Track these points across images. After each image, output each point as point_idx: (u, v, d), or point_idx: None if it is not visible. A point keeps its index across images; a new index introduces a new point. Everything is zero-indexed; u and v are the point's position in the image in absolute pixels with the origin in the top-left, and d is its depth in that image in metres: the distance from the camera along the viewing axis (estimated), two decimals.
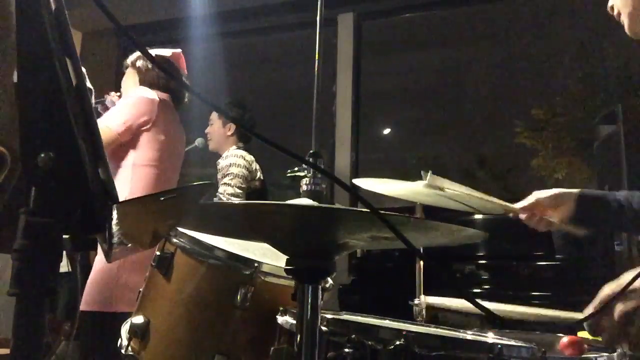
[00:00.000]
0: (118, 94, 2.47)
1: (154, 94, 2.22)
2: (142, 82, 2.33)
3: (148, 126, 2.17)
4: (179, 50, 2.41)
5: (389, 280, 3.62)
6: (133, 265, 2.00)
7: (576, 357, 1.29)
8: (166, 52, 2.38)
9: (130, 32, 0.62)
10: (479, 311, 1.47)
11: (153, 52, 2.38)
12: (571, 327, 1.47)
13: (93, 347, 2.00)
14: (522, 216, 1.55)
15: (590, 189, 1.56)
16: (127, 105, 2.17)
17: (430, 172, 1.58)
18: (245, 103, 3.50)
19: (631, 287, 0.95)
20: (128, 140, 2.15)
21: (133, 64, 2.39)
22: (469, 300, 0.72)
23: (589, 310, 1.00)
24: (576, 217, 1.48)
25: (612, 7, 1.29)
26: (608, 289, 0.98)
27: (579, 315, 1.17)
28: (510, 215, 1.57)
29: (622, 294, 0.95)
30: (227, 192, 3.03)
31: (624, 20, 1.24)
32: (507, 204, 1.56)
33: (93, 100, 2.17)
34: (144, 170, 2.16)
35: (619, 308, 0.96)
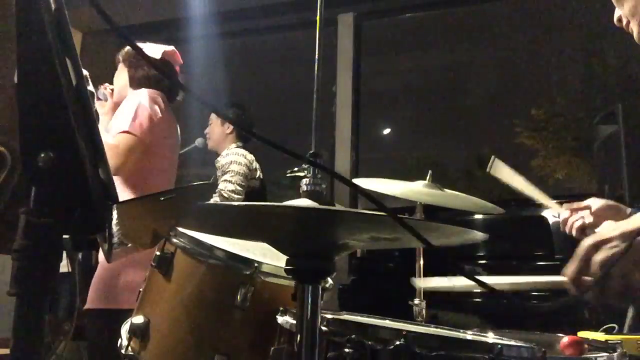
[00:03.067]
0: (112, 86, 2.42)
1: (153, 95, 2.19)
2: (132, 79, 2.28)
3: (161, 125, 2.14)
4: (171, 48, 2.34)
5: (389, 280, 3.62)
6: (138, 261, 1.99)
7: (576, 357, 1.30)
8: (158, 48, 2.31)
9: (124, 32, 0.62)
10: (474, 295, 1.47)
11: (144, 47, 2.30)
12: (571, 327, 1.47)
13: (102, 345, 2.00)
14: (563, 215, 1.55)
15: None
16: (133, 106, 2.11)
17: (494, 158, 1.61)
18: (244, 103, 3.52)
19: (606, 237, 0.95)
20: (151, 140, 2.10)
21: (124, 60, 2.33)
22: (464, 275, 0.70)
23: (571, 266, 0.99)
24: None
25: (619, 19, 1.25)
26: (589, 240, 0.98)
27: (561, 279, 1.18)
28: (554, 213, 1.59)
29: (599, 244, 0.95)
30: (228, 188, 3.03)
31: (634, 28, 1.21)
32: (552, 203, 1.57)
33: (95, 104, 2.14)
34: (156, 176, 2.15)
35: (597, 259, 0.95)
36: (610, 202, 1.54)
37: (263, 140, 0.63)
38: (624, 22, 1.24)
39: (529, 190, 1.66)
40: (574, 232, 1.54)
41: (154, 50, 2.29)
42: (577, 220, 1.53)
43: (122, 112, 2.14)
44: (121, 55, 2.36)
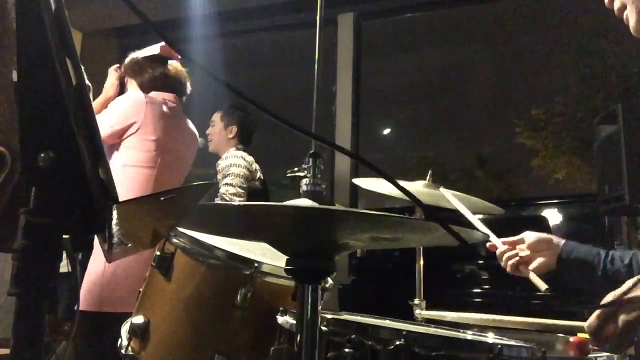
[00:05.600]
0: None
1: (141, 96, 2.20)
2: (142, 86, 2.30)
3: (134, 129, 2.15)
4: (162, 44, 2.33)
5: (389, 280, 3.62)
6: (122, 266, 1.99)
7: (578, 357, 1.29)
8: (154, 49, 2.33)
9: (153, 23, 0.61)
10: (476, 321, 1.48)
11: (144, 52, 2.33)
12: (571, 328, 1.47)
13: (84, 347, 2.00)
14: (499, 250, 1.51)
15: (575, 245, 1.49)
16: (113, 108, 2.16)
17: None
18: (246, 105, 3.52)
19: (634, 296, 0.95)
20: (115, 143, 2.15)
21: (127, 72, 2.36)
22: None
23: (593, 319, 0.99)
24: (556, 272, 1.47)
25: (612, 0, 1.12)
26: (611, 297, 0.98)
27: (580, 324, 1.18)
28: (488, 245, 1.54)
29: (624, 303, 0.95)
30: (230, 192, 3.03)
31: (631, 16, 1.08)
32: (492, 235, 1.54)
33: (92, 96, 2.15)
34: (135, 171, 2.15)
35: (623, 317, 0.96)
36: (543, 236, 1.51)
37: (267, 112, 0.62)
38: (617, 6, 1.10)
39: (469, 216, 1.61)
40: (508, 268, 1.50)
41: (151, 49, 2.32)
42: (512, 256, 1.49)
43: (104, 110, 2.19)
44: (125, 72, 2.39)
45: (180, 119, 2.37)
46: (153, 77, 2.29)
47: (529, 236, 1.52)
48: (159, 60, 2.31)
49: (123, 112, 2.15)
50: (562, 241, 1.51)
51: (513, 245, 1.52)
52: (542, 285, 1.40)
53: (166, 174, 2.25)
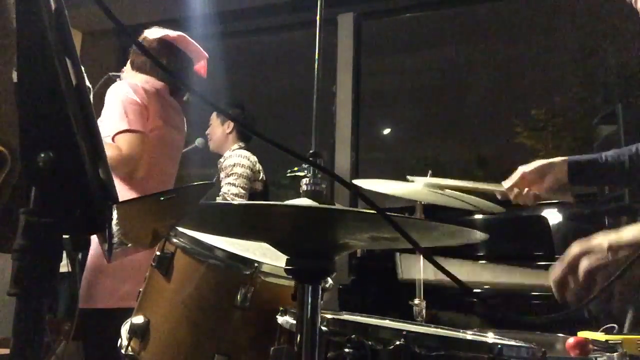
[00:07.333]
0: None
1: (134, 87, 2.11)
2: (132, 64, 2.27)
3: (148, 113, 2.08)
4: (181, 34, 2.30)
5: (389, 280, 3.62)
6: (99, 262, 1.98)
7: (579, 357, 1.29)
8: (172, 33, 2.27)
9: (127, 29, 0.62)
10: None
11: (158, 32, 2.27)
12: (571, 327, 1.46)
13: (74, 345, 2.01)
14: (511, 195, 1.53)
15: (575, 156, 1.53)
16: (118, 104, 2.04)
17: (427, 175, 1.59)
18: (244, 103, 3.52)
19: (595, 244, 0.95)
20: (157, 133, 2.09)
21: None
22: (442, 271, 0.69)
23: (557, 270, 1.00)
24: (570, 180, 1.47)
25: None
26: (577, 248, 0.98)
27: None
28: (499, 196, 1.55)
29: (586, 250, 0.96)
30: (231, 191, 3.03)
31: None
32: (493, 186, 1.57)
33: (91, 99, 2.09)
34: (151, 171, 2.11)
35: (584, 264, 0.95)
36: (538, 164, 1.52)
37: (264, 139, 0.63)
38: None
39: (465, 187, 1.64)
40: (529, 203, 1.51)
41: (166, 33, 2.27)
42: (525, 195, 1.51)
43: (110, 113, 2.06)
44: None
45: (171, 107, 2.28)
46: (145, 62, 2.24)
47: (526, 169, 1.52)
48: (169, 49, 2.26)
49: (130, 102, 2.06)
50: (562, 158, 1.51)
51: (518, 185, 1.53)
52: (567, 198, 1.47)
53: (164, 165, 2.23)
